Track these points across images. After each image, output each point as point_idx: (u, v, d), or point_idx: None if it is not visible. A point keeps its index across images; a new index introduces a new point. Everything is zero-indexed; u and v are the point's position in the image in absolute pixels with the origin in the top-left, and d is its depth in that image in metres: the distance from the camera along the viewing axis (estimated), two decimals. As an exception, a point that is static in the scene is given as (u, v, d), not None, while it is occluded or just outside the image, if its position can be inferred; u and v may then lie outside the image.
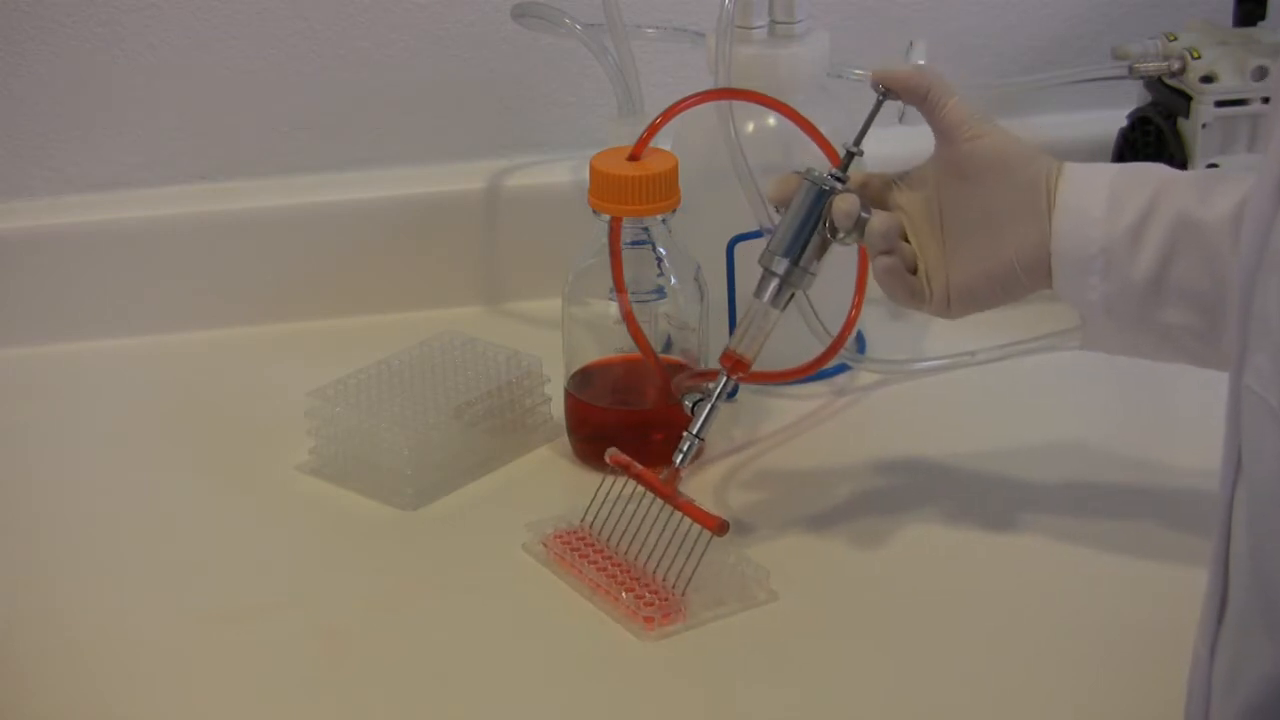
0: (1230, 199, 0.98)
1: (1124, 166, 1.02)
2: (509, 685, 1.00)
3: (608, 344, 1.19)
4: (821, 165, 1.09)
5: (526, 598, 1.07)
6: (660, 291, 1.18)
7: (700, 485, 1.16)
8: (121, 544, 1.13)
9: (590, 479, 1.17)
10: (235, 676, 1.01)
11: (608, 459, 1.09)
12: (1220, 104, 1.32)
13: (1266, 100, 1.32)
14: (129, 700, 0.99)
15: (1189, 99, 1.33)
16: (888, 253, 1.04)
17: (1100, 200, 1.00)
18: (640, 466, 1.08)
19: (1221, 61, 1.32)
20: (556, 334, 1.21)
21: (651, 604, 1.03)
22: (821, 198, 1.05)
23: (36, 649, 1.03)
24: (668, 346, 1.19)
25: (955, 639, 1.03)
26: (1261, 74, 1.32)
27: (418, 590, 1.08)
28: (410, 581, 1.09)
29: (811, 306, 1.20)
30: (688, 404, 1.10)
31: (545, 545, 1.09)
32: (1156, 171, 1.02)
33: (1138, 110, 1.38)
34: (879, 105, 1.06)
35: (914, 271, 1.05)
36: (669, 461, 1.08)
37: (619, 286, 1.16)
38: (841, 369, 1.29)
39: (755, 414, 1.24)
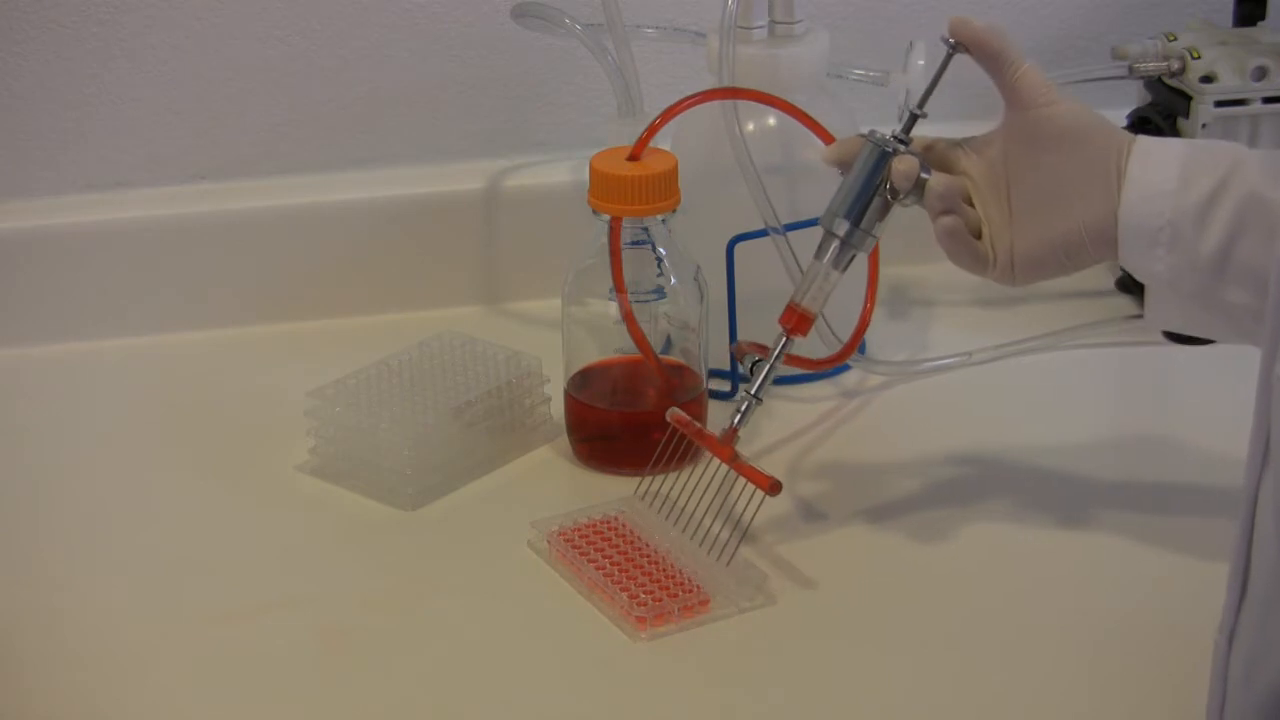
0: None
1: (1198, 142, 1.02)
2: (505, 685, 1.00)
3: (607, 344, 1.19)
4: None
5: (526, 598, 1.07)
6: (660, 291, 1.18)
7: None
8: (121, 544, 1.13)
9: (590, 479, 1.18)
10: (235, 676, 1.01)
11: (668, 418, 1.10)
12: (1220, 104, 1.32)
13: (1267, 100, 1.32)
14: (129, 700, 0.99)
15: (1189, 99, 1.33)
16: (948, 213, 1.03)
17: (1171, 174, 1.00)
18: (699, 425, 1.09)
19: (1221, 61, 1.32)
20: (556, 334, 1.21)
21: (644, 604, 1.03)
22: (883, 160, 1.05)
23: (36, 649, 1.03)
24: (668, 347, 1.19)
25: (961, 641, 1.03)
26: (1261, 74, 1.32)
27: (418, 590, 1.08)
28: (410, 581, 1.09)
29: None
30: (746, 365, 1.10)
31: (549, 543, 1.09)
32: (1231, 149, 1.01)
33: (1138, 110, 1.38)
34: (948, 60, 1.04)
35: (978, 237, 1.04)
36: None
37: (619, 286, 1.16)
38: (844, 369, 1.29)
39: (763, 418, 1.23)
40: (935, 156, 1.06)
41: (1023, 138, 1.03)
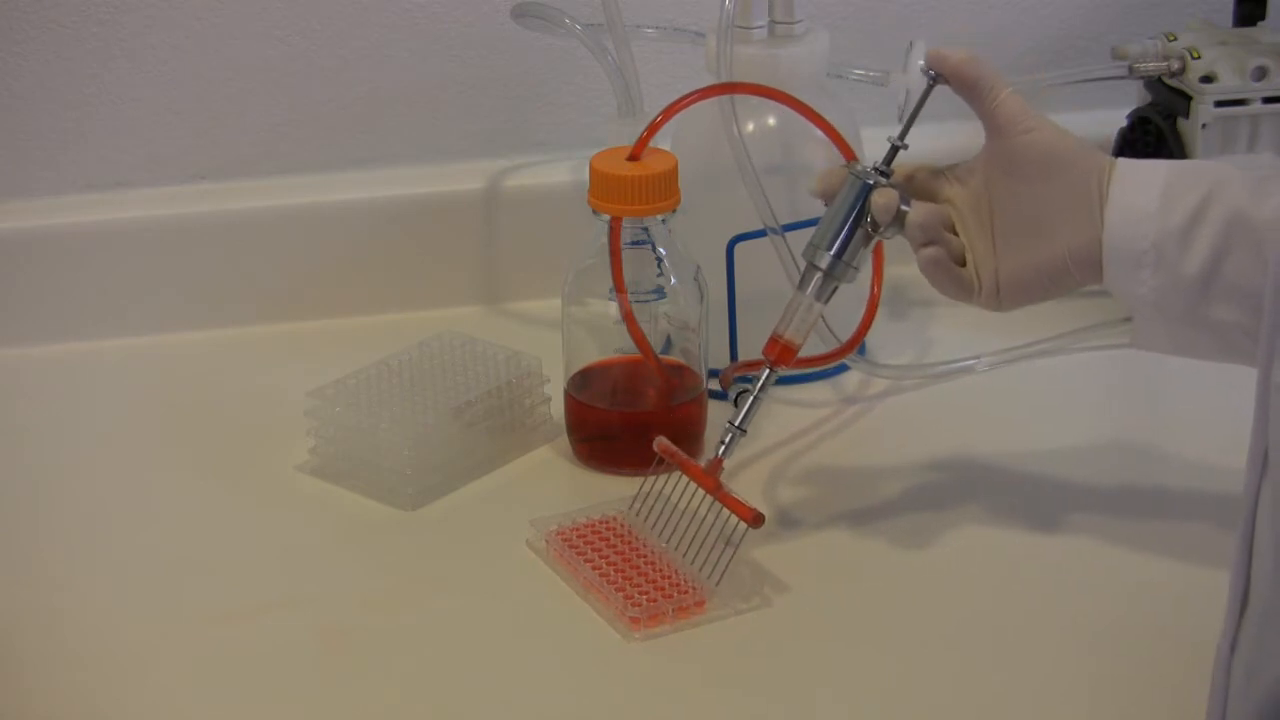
0: None
1: (1179, 163, 1.02)
2: (503, 684, 1.00)
3: (607, 344, 1.19)
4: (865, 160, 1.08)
5: (525, 598, 1.07)
6: (660, 291, 1.18)
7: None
8: (121, 544, 1.13)
9: (590, 479, 1.18)
10: (235, 676, 1.01)
11: (655, 447, 1.10)
12: (1220, 104, 1.32)
13: (1267, 100, 1.32)
14: (128, 700, 0.99)
15: (1189, 99, 1.33)
16: (930, 244, 1.03)
17: (1154, 196, 1.00)
18: (685, 455, 1.09)
19: (1221, 61, 1.32)
20: (556, 334, 1.21)
21: (639, 605, 1.03)
22: (864, 192, 1.05)
23: (36, 649, 1.03)
24: (668, 347, 1.19)
25: (959, 643, 1.03)
26: (1261, 74, 1.32)
27: (418, 590, 1.08)
28: (410, 581, 1.09)
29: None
30: (732, 395, 1.10)
31: (548, 543, 1.09)
32: (1212, 169, 1.01)
33: (1138, 110, 1.38)
34: (928, 91, 1.05)
35: (962, 264, 1.04)
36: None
37: (619, 286, 1.16)
38: (843, 368, 1.29)
39: (764, 420, 1.23)
40: (917, 186, 1.06)
41: (1004, 164, 1.03)
